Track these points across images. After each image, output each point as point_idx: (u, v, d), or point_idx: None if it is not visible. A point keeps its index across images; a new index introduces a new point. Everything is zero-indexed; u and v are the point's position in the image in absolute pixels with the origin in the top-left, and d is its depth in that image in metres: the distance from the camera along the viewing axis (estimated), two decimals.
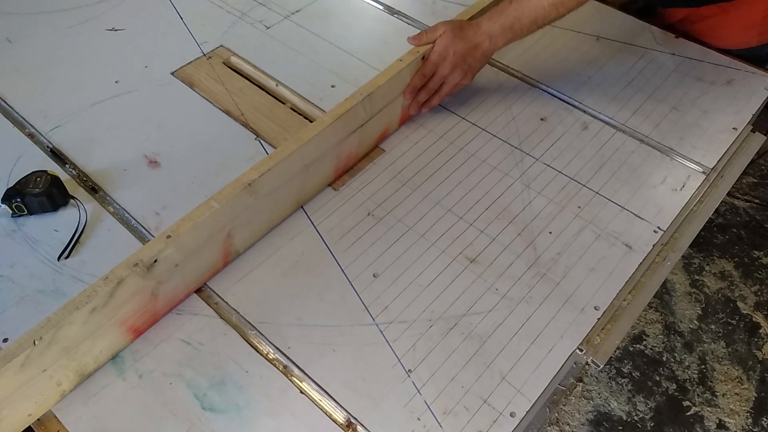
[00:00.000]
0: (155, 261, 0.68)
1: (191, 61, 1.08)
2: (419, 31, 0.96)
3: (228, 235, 0.77)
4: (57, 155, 0.93)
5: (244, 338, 0.74)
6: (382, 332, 0.75)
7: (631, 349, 1.57)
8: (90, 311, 0.64)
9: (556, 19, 0.92)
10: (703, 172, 0.95)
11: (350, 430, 0.68)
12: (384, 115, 0.93)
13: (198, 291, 0.78)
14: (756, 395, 1.50)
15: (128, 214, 0.85)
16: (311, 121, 0.97)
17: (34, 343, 0.60)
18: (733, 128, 1.01)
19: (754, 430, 1.45)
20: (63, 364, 0.65)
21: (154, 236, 0.78)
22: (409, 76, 0.93)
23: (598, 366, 0.75)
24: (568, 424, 1.44)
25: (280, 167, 0.77)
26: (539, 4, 0.90)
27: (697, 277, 1.72)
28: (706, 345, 1.58)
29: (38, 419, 0.68)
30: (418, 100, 0.96)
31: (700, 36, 1.16)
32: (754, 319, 1.64)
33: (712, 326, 1.62)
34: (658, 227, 0.88)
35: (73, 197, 0.86)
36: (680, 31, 1.17)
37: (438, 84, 0.95)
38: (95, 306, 0.64)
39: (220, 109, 1.00)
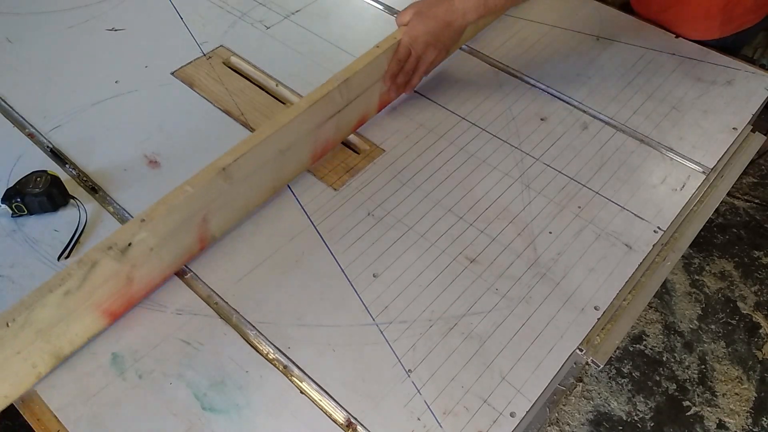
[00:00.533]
0: (129, 244, 0.68)
1: (191, 61, 1.08)
2: None
3: (203, 219, 0.77)
4: (57, 155, 0.93)
5: (244, 338, 0.74)
6: (382, 332, 0.75)
7: (631, 349, 1.57)
8: (64, 294, 0.64)
9: None
10: (703, 172, 0.95)
11: (350, 430, 0.68)
12: (361, 101, 0.92)
13: (198, 291, 0.78)
14: (756, 395, 1.50)
15: (128, 214, 0.85)
16: None
17: (7, 324, 0.60)
18: (733, 128, 1.01)
19: (754, 430, 1.45)
20: (38, 347, 0.66)
21: None
22: (386, 62, 0.93)
23: (598, 366, 0.75)
24: (568, 424, 1.44)
25: (254, 152, 0.77)
26: None
27: (697, 277, 1.72)
28: (706, 345, 1.59)
29: (38, 419, 0.68)
30: (398, 83, 0.96)
31: (669, 25, 1.17)
32: (754, 319, 1.64)
33: (712, 326, 1.62)
34: (658, 227, 0.88)
35: (73, 197, 0.86)
36: (657, 23, 1.18)
37: (414, 64, 0.95)
38: (69, 289, 0.64)
39: (220, 109, 1.00)
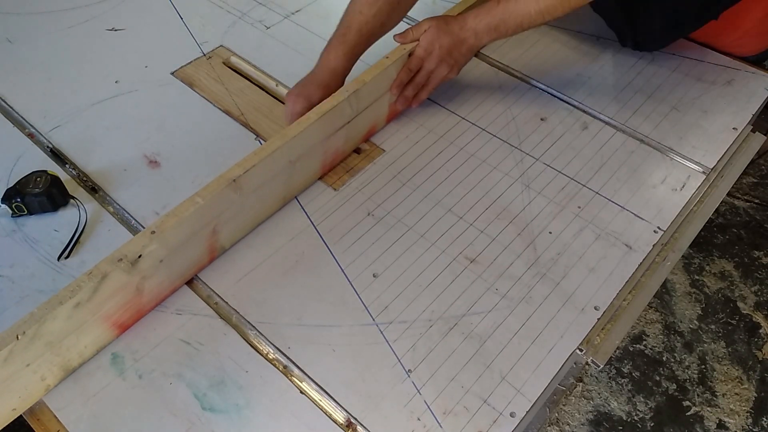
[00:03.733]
0: (139, 256, 0.68)
1: (191, 61, 1.08)
2: None
3: (213, 230, 0.77)
4: (57, 155, 0.93)
5: (244, 338, 0.74)
6: (382, 332, 0.75)
7: (631, 349, 1.57)
8: (74, 306, 0.64)
9: (541, 24, 0.92)
10: (703, 172, 0.95)
11: (350, 430, 0.68)
12: (371, 112, 0.93)
13: (198, 291, 0.78)
14: (756, 395, 1.50)
15: (128, 214, 0.85)
16: None
17: (17, 337, 0.60)
18: (733, 128, 1.01)
19: (754, 430, 1.45)
20: (47, 359, 0.66)
21: None
22: (395, 73, 0.93)
23: (598, 366, 0.75)
24: (568, 424, 1.44)
25: (265, 163, 0.77)
26: (526, 10, 0.89)
27: (697, 277, 1.72)
28: (706, 345, 1.58)
29: (38, 419, 0.68)
30: (406, 95, 0.96)
31: (723, 48, 1.15)
32: (754, 319, 1.63)
33: (712, 326, 1.62)
34: (658, 227, 0.88)
35: (73, 197, 0.86)
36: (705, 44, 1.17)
37: (425, 78, 0.95)
38: (79, 301, 0.64)
39: (220, 109, 1.00)
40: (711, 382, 1.52)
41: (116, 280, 0.67)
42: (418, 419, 0.68)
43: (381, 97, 0.93)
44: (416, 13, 1.19)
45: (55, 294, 0.64)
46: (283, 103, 1.02)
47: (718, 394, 1.50)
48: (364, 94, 0.88)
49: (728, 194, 1.03)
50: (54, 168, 0.90)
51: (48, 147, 0.94)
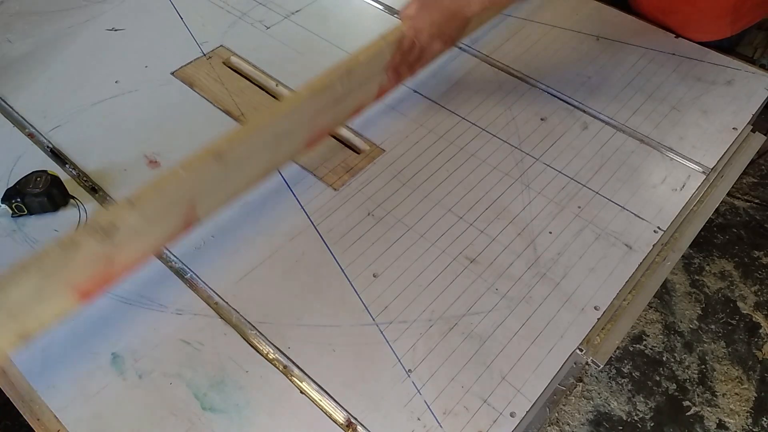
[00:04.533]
0: (114, 227, 0.65)
1: (191, 61, 1.08)
2: None
3: (192, 203, 0.75)
4: (57, 155, 0.93)
5: (244, 338, 0.74)
6: (382, 332, 0.75)
7: (631, 349, 1.57)
8: (41, 275, 0.62)
9: None
10: (703, 172, 0.95)
11: (350, 430, 0.68)
12: (361, 91, 0.91)
13: (198, 291, 0.78)
14: (756, 395, 1.50)
15: None
16: None
17: None
18: (733, 128, 1.01)
19: (754, 430, 1.45)
20: (8, 328, 0.63)
21: None
22: (389, 53, 0.91)
23: (598, 366, 0.75)
24: (568, 424, 1.44)
25: (252, 139, 0.76)
26: None
27: (697, 277, 1.72)
28: (706, 345, 1.58)
29: (38, 419, 0.68)
30: (399, 72, 0.94)
31: (675, 27, 1.16)
32: (754, 319, 1.64)
33: (712, 326, 1.62)
34: (658, 227, 0.88)
35: (73, 197, 0.86)
36: (661, 25, 1.17)
37: (418, 55, 0.93)
38: (46, 269, 0.62)
39: (220, 109, 1.00)
40: (711, 382, 1.52)
41: (89, 250, 0.64)
42: (418, 419, 0.68)
43: (372, 77, 0.92)
44: None
45: (20, 261, 0.61)
46: None
47: (718, 394, 1.50)
48: (357, 74, 0.86)
49: (728, 194, 1.03)
50: (54, 168, 0.90)
51: (48, 147, 0.94)
